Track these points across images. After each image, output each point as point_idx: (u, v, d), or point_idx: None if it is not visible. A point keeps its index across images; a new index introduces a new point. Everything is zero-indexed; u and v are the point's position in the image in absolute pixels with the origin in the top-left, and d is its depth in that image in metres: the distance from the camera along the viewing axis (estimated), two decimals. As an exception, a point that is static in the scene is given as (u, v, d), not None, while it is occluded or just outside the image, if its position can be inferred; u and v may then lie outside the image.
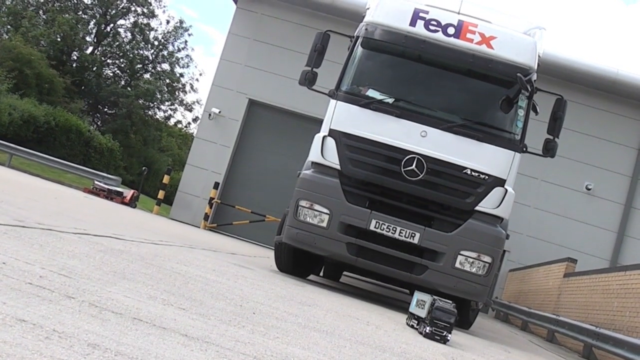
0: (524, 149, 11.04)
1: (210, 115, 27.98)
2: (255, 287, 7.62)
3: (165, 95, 63.91)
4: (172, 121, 69.84)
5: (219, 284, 6.66)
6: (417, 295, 7.92)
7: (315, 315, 6.60)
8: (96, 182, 28.40)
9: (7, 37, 51.49)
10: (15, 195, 11.44)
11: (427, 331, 7.29)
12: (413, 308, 8.04)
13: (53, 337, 2.91)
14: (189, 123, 72.05)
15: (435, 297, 7.50)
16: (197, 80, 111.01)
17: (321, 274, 15.21)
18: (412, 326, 8.10)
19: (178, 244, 10.99)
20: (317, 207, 10.60)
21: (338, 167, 10.73)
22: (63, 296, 3.76)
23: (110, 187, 27.91)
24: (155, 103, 63.28)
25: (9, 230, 5.78)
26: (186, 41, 71.13)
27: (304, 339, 4.84)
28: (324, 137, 10.88)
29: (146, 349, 3.17)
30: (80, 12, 59.41)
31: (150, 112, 63.20)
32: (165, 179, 28.56)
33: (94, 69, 59.21)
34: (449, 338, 7.27)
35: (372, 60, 11.45)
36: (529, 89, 10.86)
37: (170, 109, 67.00)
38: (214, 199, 26.50)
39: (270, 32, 28.05)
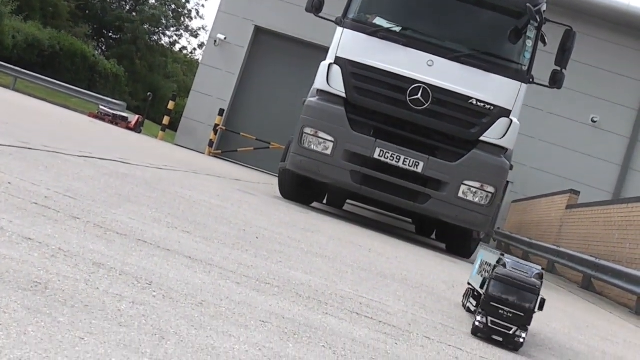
0: (531, 80, 10.98)
1: (215, 41, 27.74)
2: (258, 213, 7.68)
3: (171, 21, 63.34)
4: (177, 47, 69.50)
5: (223, 209, 6.72)
6: (483, 255, 4.68)
7: (318, 242, 6.67)
8: (101, 107, 28.36)
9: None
10: (20, 118, 11.45)
11: (477, 323, 3.97)
12: (474, 276, 4.71)
13: (59, 255, 2.96)
14: (195, 49, 71.74)
15: (501, 256, 4.14)
16: (202, 6, 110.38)
17: (324, 201, 15.29)
18: (469, 309, 4.81)
19: (182, 169, 11.04)
20: (321, 134, 10.61)
21: (343, 95, 10.69)
22: (68, 217, 3.81)
23: (116, 112, 27.90)
24: (160, 29, 62.80)
25: (14, 151, 5.81)
26: (192, -34, 70.23)
27: (307, 264, 4.90)
28: (329, 65, 10.81)
29: (150, 269, 3.22)
30: None
31: (155, 38, 62.73)
32: (170, 105, 28.45)
33: (99, -8, 58.54)
34: (522, 340, 3.90)
35: (380, -12, 11.31)
36: (538, 20, 10.75)
37: (176, 34, 66.61)
38: (218, 125, 26.45)
39: (278, -43, 27.59)
